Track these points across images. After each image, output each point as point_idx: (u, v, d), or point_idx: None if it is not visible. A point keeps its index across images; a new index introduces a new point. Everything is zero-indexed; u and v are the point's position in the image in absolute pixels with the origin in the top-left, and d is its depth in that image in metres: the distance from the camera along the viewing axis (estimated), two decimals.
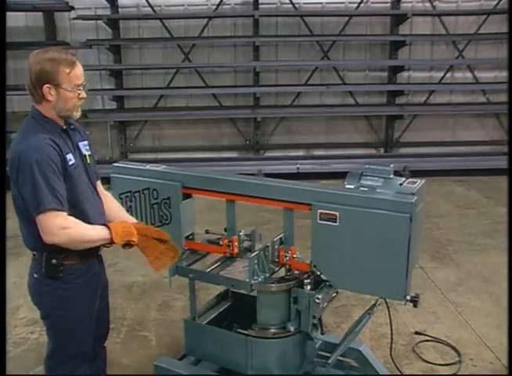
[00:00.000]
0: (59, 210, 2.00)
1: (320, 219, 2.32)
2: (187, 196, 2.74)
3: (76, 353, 2.32)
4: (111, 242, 2.13)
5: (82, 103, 2.16)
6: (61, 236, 2.00)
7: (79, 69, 2.10)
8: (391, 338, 2.84)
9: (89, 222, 2.15)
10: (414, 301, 2.32)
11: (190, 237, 2.83)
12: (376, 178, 2.40)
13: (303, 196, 2.41)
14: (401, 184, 2.37)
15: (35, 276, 2.21)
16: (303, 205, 2.41)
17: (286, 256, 2.57)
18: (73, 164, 2.14)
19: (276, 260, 2.63)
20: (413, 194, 2.27)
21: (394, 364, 3.01)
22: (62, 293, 2.19)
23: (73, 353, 2.31)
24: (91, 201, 2.26)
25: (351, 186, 2.43)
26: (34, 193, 1.97)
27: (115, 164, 2.86)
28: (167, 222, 2.74)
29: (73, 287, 2.20)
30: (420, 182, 2.41)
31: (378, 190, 2.35)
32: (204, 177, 2.67)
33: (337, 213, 2.28)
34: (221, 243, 2.73)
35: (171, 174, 2.73)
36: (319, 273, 2.41)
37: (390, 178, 2.40)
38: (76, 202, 2.15)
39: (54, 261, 2.13)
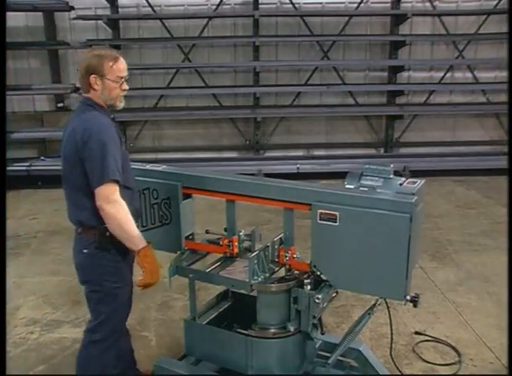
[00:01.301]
0: (118, 183, 2.24)
1: (320, 219, 2.32)
2: (187, 196, 2.73)
3: (121, 325, 2.52)
4: (136, 251, 2.30)
5: (124, 94, 2.40)
6: (112, 206, 2.21)
7: (121, 63, 2.36)
8: (391, 338, 2.84)
9: (134, 205, 2.38)
10: (414, 302, 2.32)
11: (190, 237, 2.83)
12: (376, 179, 2.40)
13: (303, 196, 2.41)
14: (401, 184, 2.36)
15: (85, 251, 2.36)
16: (303, 205, 2.41)
17: (286, 256, 2.57)
18: (123, 147, 2.40)
19: (276, 260, 2.63)
20: (413, 194, 2.26)
21: (395, 364, 3.01)
22: (114, 265, 2.39)
23: (118, 325, 2.51)
24: (133, 182, 2.49)
25: (351, 186, 2.42)
26: (101, 167, 2.19)
27: None
28: (167, 222, 2.73)
29: (123, 258, 2.41)
30: (419, 182, 2.41)
31: (378, 190, 2.35)
32: (204, 177, 2.67)
33: (337, 213, 2.28)
34: (221, 243, 2.73)
35: (171, 174, 2.73)
36: (318, 273, 2.41)
37: (390, 179, 2.39)
38: (124, 182, 2.33)
39: (108, 233, 2.30)
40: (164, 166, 2.82)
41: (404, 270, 2.23)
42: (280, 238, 2.67)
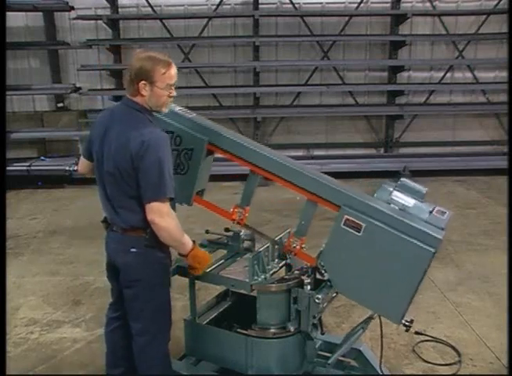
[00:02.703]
0: (171, 200, 2.27)
1: (344, 224, 2.27)
2: (209, 152, 2.61)
3: (167, 320, 2.49)
4: (185, 255, 2.38)
5: (172, 100, 2.35)
6: (164, 220, 2.22)
7: (173, 70, 2.29)
8: (381, 352, 2.77)
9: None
10: (407, 327, 2.34)
11: (200, 194, 2.73)
12: (408, 199, 2.33)
13: (334, 196, 2.34)
14: (431, 212, 2.31)
15: (133, 250, 2.32)
16: (331, 205, 2.35)
17: (294, 244, 2.50)
18: None
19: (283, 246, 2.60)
20: (443, 229, 2.23)
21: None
22: (162, 261, 2.39)
23: (164, 319, 2.47)
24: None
25: (382, 198, 2.34)
26: (158, 183, 2.19)
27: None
28: (182, 172, 2.60)
29: (168, 256, 2.43)
30: (448, 213, 2.36)
31: (408, 211, 2.28)
32: (237, 142, 2.52)
33: (364, 225, 2.24)
34: (232, 210, 2.63)
35: (201, 126, 2.55)
36: (323, 272, 2.39)
37: (421, 202, 2.34)
38: None
39: None
40: (195, 114, 2.65)
41: (409, 297, 2.24)
42: (281, 238, 2.67)
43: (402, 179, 2.43)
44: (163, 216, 2.21)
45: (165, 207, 2.22)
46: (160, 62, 2.25)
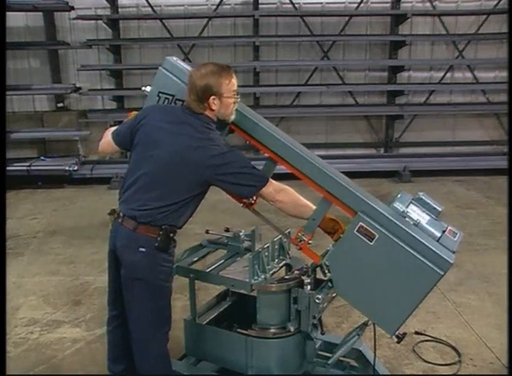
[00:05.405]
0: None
1: (357, 231, 2.26)
2: (230, 131, 2.56)
3: (167, 319, 2.47)
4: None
5: (236, 105, 2.40)
6: (281, 194, 2.37)
7: (234, 77, 2.37)
8: (374, 360, 2.79)
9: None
10: (399, 339, 2.40)
11: None
12: (424, 215, 2.32)
13: (353, 201, 2.31)
14: (444, 231, 2.30)
15: (142, 250, 2.31)
16: (347, 209, 2.33)
17: (301, 239, 2.45)
18: None
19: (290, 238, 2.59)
20: (454, 252, 2.22)
21: None
22: (167, 264, 2.40)
23: (169, 322, 2.47)
24: None
25: (398, 207, 2.29)
26: (253, 176, 2.34)
27: (168, 58, 2.55)
28: None
29: (173, 259, 2.45)
30: (459, 234, 2.35)
31: (421, 228, 2.26)
32: (265, 130, 2.47)
33: (377, 235, 2.23)
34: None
35: None
36: (326, 271, 2.37)
37: (435, 220, 2.33)
38: None
39: (172, 234, 2.34)
40: None
41: (408, 313, 2.26)
42: (281, 237, 2.66)
43: (420, 193, 2.41)
44: (278, 192, 2.36)
45: (271, 185, 2.35)
46: (222, 73, 2.32)
